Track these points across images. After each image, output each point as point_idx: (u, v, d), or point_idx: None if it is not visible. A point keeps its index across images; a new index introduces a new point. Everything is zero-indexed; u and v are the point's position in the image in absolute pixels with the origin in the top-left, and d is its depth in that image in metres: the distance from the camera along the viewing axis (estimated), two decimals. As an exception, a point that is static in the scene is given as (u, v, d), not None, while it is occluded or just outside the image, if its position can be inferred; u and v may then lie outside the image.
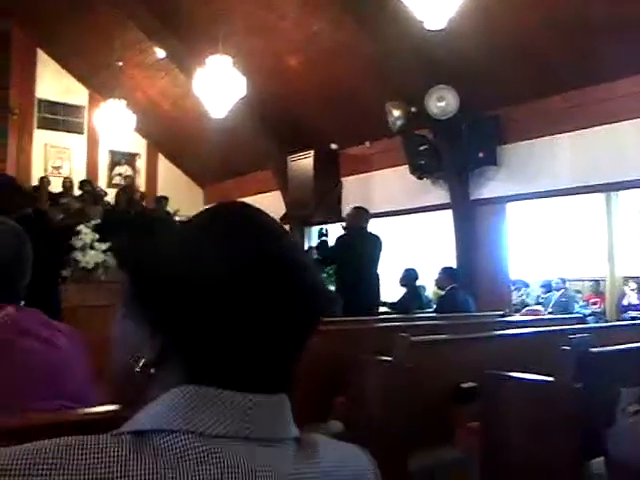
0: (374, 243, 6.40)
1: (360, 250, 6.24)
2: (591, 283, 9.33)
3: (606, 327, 5.21)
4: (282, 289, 0.69)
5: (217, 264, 0.68)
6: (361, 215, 6.53)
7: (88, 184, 11.22)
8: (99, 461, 0.59)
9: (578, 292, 9.27)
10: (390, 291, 7.68)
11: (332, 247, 6.49)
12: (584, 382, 2.51)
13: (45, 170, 11.76)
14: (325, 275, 8.46)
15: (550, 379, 2.65)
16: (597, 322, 7.26)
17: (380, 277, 6.47)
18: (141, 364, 0.69)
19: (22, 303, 1.61)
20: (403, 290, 7.31)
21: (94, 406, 1.30)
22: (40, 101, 11.98)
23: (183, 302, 0.67)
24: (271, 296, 0.68)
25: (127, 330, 0.73)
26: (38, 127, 11.91)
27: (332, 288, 7.55)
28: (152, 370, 0.69)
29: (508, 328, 4.59)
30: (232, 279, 0.67)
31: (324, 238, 6.55)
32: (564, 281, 9.00)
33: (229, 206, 0.77)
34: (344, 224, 6.61)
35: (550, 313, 7.83)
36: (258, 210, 0.75)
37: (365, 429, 3.25)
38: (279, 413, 0.70)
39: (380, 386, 3.28)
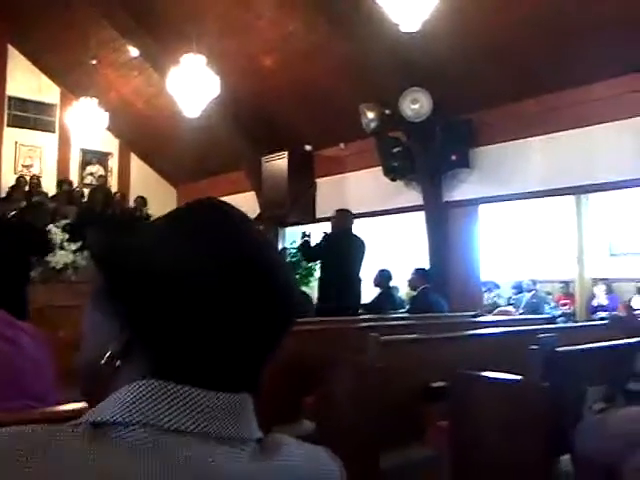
0: (358, 246, 6.46)
1: (345, 251, 6.32)
2: (561, 284, 9.45)
3: (574, 327, 5.29)
4: (255, 288, 0.69)
5: (189, 260, 0.67)
6: (346, 217, 6.63)
7: (66, 184, 11.09)
8: (53, 451, 0.59)
9: (549, 293, 9.37)
10: (364, 292, 7.71)
11: (318, 244, 6.53)
12: (551, 381, 2.55)
13: (15, 169, 11.58)
14: (298, 276, 8.49)
15: (518, 378, 2.69)
16: (567, 323, 7.35)
17: (362, 280, 6.53)
18: (106, 356, 0.69)
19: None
20: (376, 291, 7.34)
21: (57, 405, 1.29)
22: (10, 98, 11.78)
23: (152, 296, 0.66)
24: (243, 294, 0.68)
25: (95, 322, 0.73)
26: (8, 125, 11.70)
27: (304, 289, 7.58)
28: (117, 363, 0.68)
29: (479, 328, 4.63)
30: (203, 276, 0.67)
31: (307, 239, 6.61)
32: (535, 282, 9.10)
33: (204, 202, 0.76)
34: (326, 231, 6.64)
35: (521, 314, 7.90)
36: (232, 207, 0.75)
37: (335, 428, 3.26)
38: (240, 413, 0.69)
39: (351, 385, 3.29)
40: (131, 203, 11.42)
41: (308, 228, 7.58)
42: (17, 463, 0.58)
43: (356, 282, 6.49)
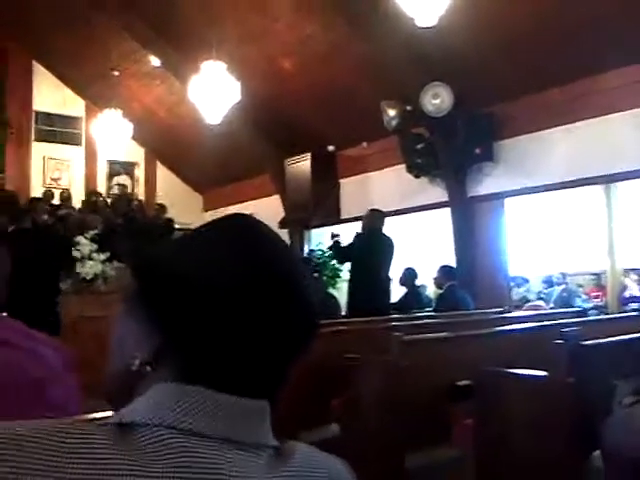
0: (388, 245, 6.45)
1: (375, 252, 6.32)
2: (592, 277, 9.27)
3: (605, 320, 5.18)
4: (280, 299, 0.72)
5: (216, 267, 0.71)
6: (377, 217, 6.61)
7: (94, 195, 11.23)
8: (81, 448, 0.61)
9: (580, 286, 9.20)
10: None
11: (350, 244, 6.53)
12: (577, 376, 2.49)
13: (44, 182, 11.78)
14: (324, 277, 8.48)
15: (543, 374, 2.63)
16: (598, 315, 7.21)
17: (392, 279, 6.51)
18: (137, 362, 0.71)
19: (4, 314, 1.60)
20: (403, 290, 7.29)
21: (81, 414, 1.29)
22: (37, 113, 12.00)
23: (185, 303, 0.69)
24: (269, 305, 0.71)
25: (126, 330, 0.75)
26: (36, 140, 11.93)
27: (331, 290, 7.56)
28: (147, 368, 0.71)
29: (506, 324, 4.56)
30: (233, 286, 0.70)
31: (337, 239, 6.62)
32: (565, 276, 8.94)
33: (233, 217, 0.80)
34: (358, 231, 6.64)
35: (552, 308, 7.78)
36: (260, 222, 0.79)
37: (361, 431, 3.24)
38: (259, 419, 0.71)
39: (376, 386, 3.27)
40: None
41: (334, 229, 7.57)
42: (53, 458, 0.59)
43: (386, 282, 6.48)
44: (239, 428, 0.68)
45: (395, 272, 7.29)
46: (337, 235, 6.71)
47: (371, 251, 6.31)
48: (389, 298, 6.58)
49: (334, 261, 8.61)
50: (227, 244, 0.73)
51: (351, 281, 6.62)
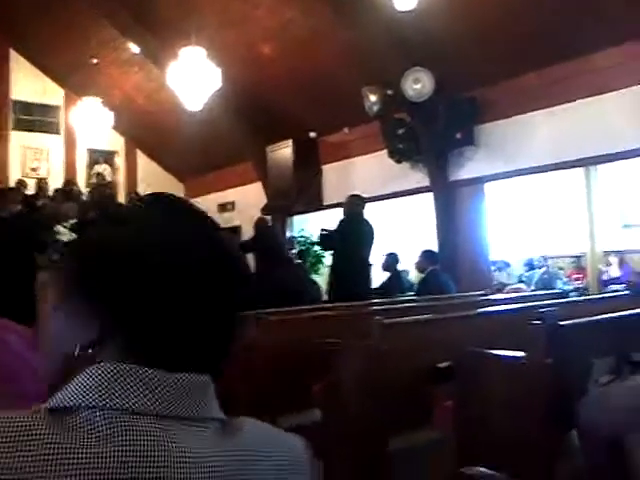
0: (369, 231, 6.47)
1: (356, 237, 6.34)
2: (573, 259, 9.36)
3: (584, 301, 5.22)
4: (214, 273, 0.72)
5: (154, 247, 0.71)
6: (357, 202, 6.63)
7: (71, 185, 11.13)
8: (15, 437, 0.60)
9: (560, 269, 9.28)
10: (373, 276, 7.68)
11: (333, 232, 6.55)
12: (555, 356, 2.51)
13: (23, 172, 11.64)
14: (307, 264, 8.47)
15: (522, 355, 2.65)
16: (579, 297, 7.27)
17: (372, 265, 6.55)
18: (80, 347, 0.70)
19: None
20: (386, 275, 7.31)
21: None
22: (15, 102, 11.84)
23: (121, 281, 0.69)
24: (204, 280, 0.71)
25: (66, 316, 0.74)
26: (14, 129, 11.78)
27: (313, 277, 7.56)
28: (90, 351, 0.70)
29: (487, 307, 4.58)
30: (168, 262, 0.70)
31: (324, 232, 6.65)
32: (546, 259, 9.00)
33: (165, 195, 0.79)
34: (341, 218, 6.67)
35: (533, 291, 7.84)
36: (191, 202, 0.80)
37: (343, 415, 3.24)
38: (203, 393, 0.70)
39: (356, 371, 3.27)
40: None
41: (316, 216, 7.57)
42: None
43: (367, 267, 6.51)
44: (180, 403, 0.67)
45: (377, 257, 7.32)
46: (325, 229, 6.76)
47: (352, 236, 6.34)
48: (370, 283, 6.62)
49: (317, 247, 8.62)
50: (163, 223, 0.74)
51: (332, 266, 6.66)
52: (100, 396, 0.64)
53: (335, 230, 6.56)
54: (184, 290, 0.70)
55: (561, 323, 2.66)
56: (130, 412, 0.64)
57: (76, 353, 0.71)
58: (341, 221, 6.58)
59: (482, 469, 1.08)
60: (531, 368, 2.58)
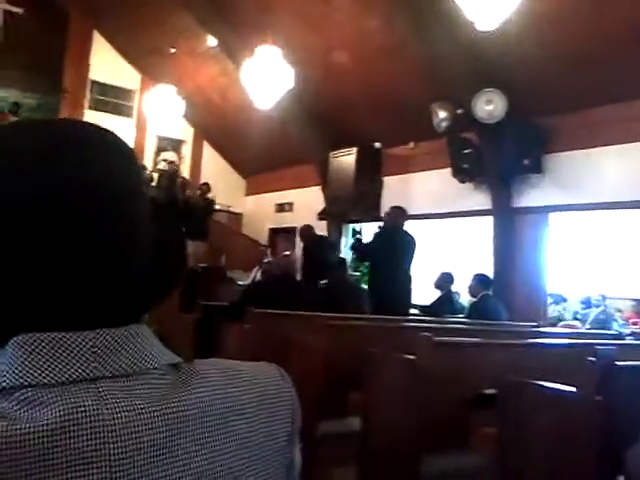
0: (409, 243, 6.45)
1: (395, 249, 6.33)
2: (633, 302, 9.07)
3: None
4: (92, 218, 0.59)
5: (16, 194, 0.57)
6: (399, 214, 6.61)
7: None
8: None
9: (619, 311, 8.99)
10: (424, 294, 7.59)
11: (369, 243, 6.57)
12: (606, 395, 2.42)
13: (93, 152, 11.95)
14: (359, 274, 8.44)
15: (571, 389, 2.56)
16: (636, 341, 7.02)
17: (412, 277, 6.50)
18: None
19: None
20: (437, 294, 7.22)
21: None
22: (93, 82, 12.20)
23: None
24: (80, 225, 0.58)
25: None
26: (89, 108, 12.14)
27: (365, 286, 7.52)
28: None
29: (538, 338, 4.47)
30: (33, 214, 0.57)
31: (358, 236, 6.68)
32: (604, 298, 8.74)
33: (55, 122, 0.66)
34: (381, 224, 6.70)
35: (587, 330, 7.61)
36: (97, 130, 0.66)
37: (380, 426, 3.20)
38: (134, 344, 0.61)
39: (399, 384, 3.22)
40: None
41: (371, 226, 7.54)
42: None
43: (405, 279, 6.47)
44: (107, 362, 0.59)
45: (431, 275, 7.24)
46: (359, 232, 6.73)
47: (390, 248, 6.33)
48: (409, 296, 6.56)
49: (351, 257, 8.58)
50: (31, 162, 0.59)
51: (370, 278, 6.65)
52: (16, 374, 0.56)
53: (372, 241, 6.56)
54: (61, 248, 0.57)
55: (617, 363, 2.57)
56: (56, 384, 0.56)
57: None
58: (379, 232, 6.58)
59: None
60: (580, 404, 2.50)
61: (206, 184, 11.27)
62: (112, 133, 0.68)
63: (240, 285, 8.19)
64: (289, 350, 3.93)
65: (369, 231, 6.85)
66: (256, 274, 8.84)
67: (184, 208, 9.84)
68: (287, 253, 6.41)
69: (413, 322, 5.10)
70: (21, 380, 0.56)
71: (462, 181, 7.99)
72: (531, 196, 7.56)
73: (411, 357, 3.23)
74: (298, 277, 6.27)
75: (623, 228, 8.64)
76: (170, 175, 11.36)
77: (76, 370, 0.57)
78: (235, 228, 12.72)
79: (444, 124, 7.67)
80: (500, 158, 7.50)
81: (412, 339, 3.36)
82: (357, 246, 6.77)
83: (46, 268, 0.58)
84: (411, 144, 9.03)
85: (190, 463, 0.60)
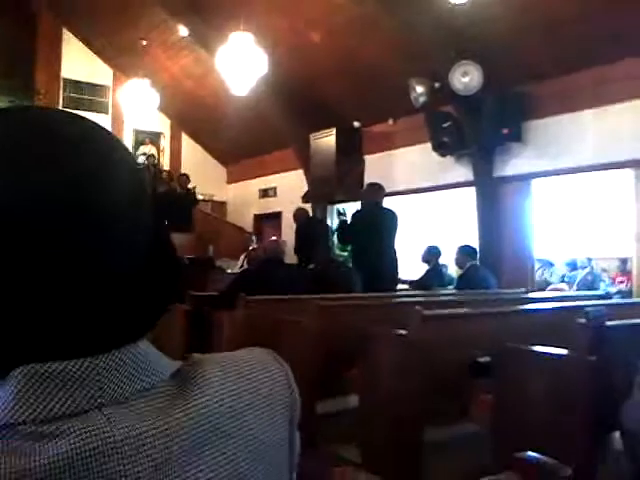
0: (389, 218, 6.44)
1: (375, 225, 6.32)
2: (618, 262, 9.16)
3: (629, 303, 5.11)
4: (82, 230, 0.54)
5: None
6: (375, 191, 6.63)
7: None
8: None
9: (604, 271, 9.09)
10: (412, 268, 7.64)
11: (348, 224, 6.57)
12: (599, 355, 2.46)
13: (70, 150, 11.86)
14: (347, 253, 8.46)
15: (565, 352, 2.61)
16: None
17: (397, 252, 6.51)
18: None
19: None
20: (425, 268, 7.26)
21: None
22: (65, 81, 12.07)
23: None
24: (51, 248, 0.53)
25: None
26: (64, 107, 12.00)
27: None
28: None
29: (528, 304, 4.53)
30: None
31: (342, 218, 6.66)
32: (590, 260, 8.83)
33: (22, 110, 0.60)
34: (357, 209, 6.69)
35: (575, 292, 7.70)
36: (69, 118, 0.59)
37: (379, 402, 3.24)
38: (132, 365, 0.60)
39: (394, 359, 3.26)
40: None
41: (357, 205, 7.54)
42: None
43: (390, 254, 6.47)
44: (110, 388, 0.57)
45: (418, 249, 7.28)
46: (343, 214, 6.71)
47: (371, 225, 6.32)
48: (395, 270, 6.56)
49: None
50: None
51: (354, 256, 6.63)
52: (17, 410, 0.54)
53: (351, 221, 6.55)
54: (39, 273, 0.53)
55: (607, 323, 2.62)
56: (61, 417, 0.54)
57: None
58: (355, 212, 6.58)
59: (535, 454, 1.06)
60: (574, 365, 2.55)
61: (185, 175, 11.23)
62: (90, 121, 0.61)
63: (229, 273, 8.20)
64: (283, 334, 3.95)
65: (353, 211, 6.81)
66: (243, 261, 8.85)
67: (166, 200, 9.81)
68: (274, 238, 6.44)
69: (404, 297, 5.14)
70: (22, 416, 0.54)
71: (443, 155, 8.01)
72: (513, 164, 7.60)
73: (404, 332, 3.27)
74: (287, 261, 6.28)
75: (604, 190, 8.72)
76: (148, 168, 11.30)
77: (81, 400, 0.56)
78: (220, 217, 12.69)
79: (422, 99, 7.67)
80: (479, 129, 7.51)
81: (404, 314, 3.39)
82: (343, 227, 6.75)
83: (27, 293, 0.53)
84: (390, 121, 9.03)
85: (203, 470, 0.60)
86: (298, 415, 0.72)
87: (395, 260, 6.46)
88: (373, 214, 6.44)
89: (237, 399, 0.64)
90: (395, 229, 6.46)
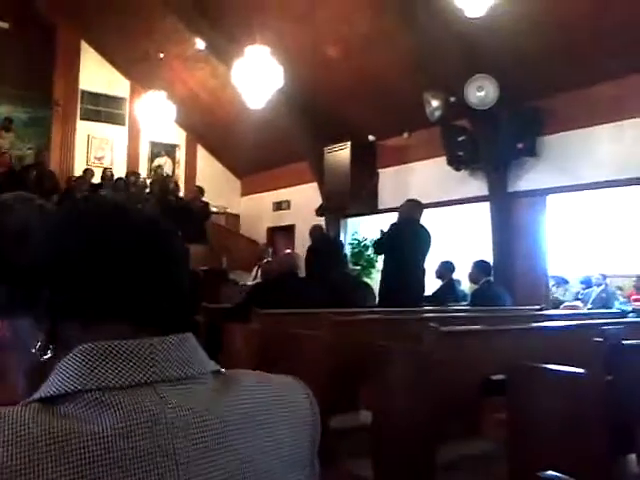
0: (424, 237, 6.36)
1: (410, 242, 6.23)
2: (633, 279, 9.09)
3: (645, 322, 5.06)
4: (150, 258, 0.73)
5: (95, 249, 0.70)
6: (414, 207, 6.52)
7: (134, 176, 11.46)
8: (13, 430, 0.59)
9: (619, 289, 9.01)
10: (426, 284, 7.60)
11: (384, 235, 6.49)
12: (615, 375, 2.44)
13: (87, 161, 11.98)
14: (359, 267, 8.46)
15: (580, 371, 2.59)
16: (638, 318, 7.05)
17: (426, 271, 6.44)
18: (38, 350, 0.71)
19: None
20: (439, 283, 7.23)
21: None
22: (83, 92, 12.19)
23: (64, 274, 0.69)
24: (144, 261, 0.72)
25: (15, 328, 0.77)
26: (81, 118, 12.13)
27: (366, 279, 7.53)
28: (49, 352, 0.70)
29: (543, 321, 4.49)
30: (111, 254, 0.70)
31: (382, 230, 6.58)
32: (605, 277, 8.77)
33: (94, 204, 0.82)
34: (394, 222, 6.60)
35: (589, 309, 7.64)
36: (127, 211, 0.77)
37: (392, 419, 3.22)
38: (184, 351, 0.70)
39: (407, 375, 3.24)
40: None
41: (370, 219, 7.55)
42: None
43: (420, 273, 6.41)
44: (163, 367, 0.67)
45: (431, 264, 7.24)
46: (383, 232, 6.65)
47: (405, 241, 6.24)
48: (422, 289, 6.50)
49: (370, 252, 8.56)
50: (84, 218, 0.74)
51: (384, 270, 6.57)
52: (84, 379, 0.64)
53: (386, 234, 6.48)
54: (127, 267, 0.70)
55: (624, 342, 2.60)
56: (119, 387, 0.64)
57: (40, 356, 0.70)
58: (392, 225, 6.49)
59: (557, 474, 1.05)
60: (590, 385, 2.52)
61: (199, 187, 11.28)
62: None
63: (242, 286, 8.20)
64: (297, 348, 3.95)
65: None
66: (256, 273, 8.86)
67: (180, 213, 9.86)
68: (288, 251, 6.44)
69: (418, 313, 5.12)
70: (87, 384, 0.64)
71: (457, 169, 8.00)
72: (527, 180, 7.58)
73: (418, 348, 3.25)
74: (300, 275, 6.27)
75: (620, 206, 8.66)
76: (161, 181, 11.39)
77: (137, 375, 0.65)
78: (233, 229, 12.73)
79: (437, 113, 7.68)
80: (494, 144, 7.51)
81: (418, 330, 3.38)
82: (382, 237, 6.66)
83: (137, 278, 0.70)
84: (405, 134, 9.04)
85: (235, 460, 0.67)
86: (319, 438, 0.79)
87: (423, 279, 6.41)
88: (412, 231, 6.36)
89: (269, 408, 0.74)
90: (429, 248, 6.36)
